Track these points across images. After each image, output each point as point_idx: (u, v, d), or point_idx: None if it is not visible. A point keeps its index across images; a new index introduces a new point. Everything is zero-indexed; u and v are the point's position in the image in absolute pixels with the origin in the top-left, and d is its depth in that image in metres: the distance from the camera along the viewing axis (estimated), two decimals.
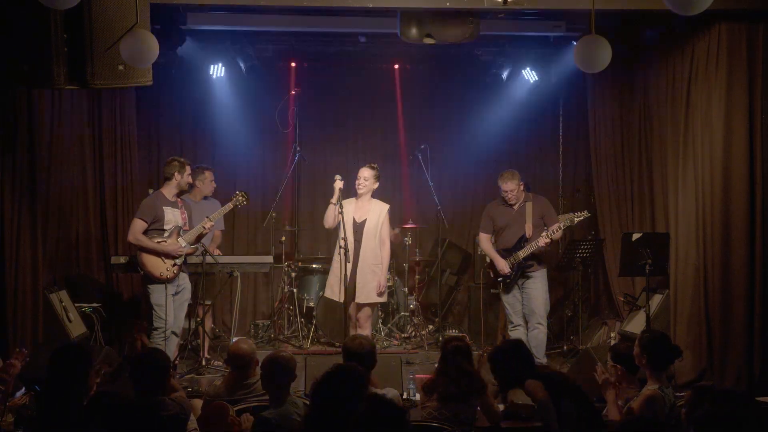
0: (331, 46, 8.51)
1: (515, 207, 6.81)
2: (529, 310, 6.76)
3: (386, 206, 6.52)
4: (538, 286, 6.69)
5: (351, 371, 3.50)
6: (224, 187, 7.99)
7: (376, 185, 6.53)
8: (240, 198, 6.81)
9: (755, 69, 6.20)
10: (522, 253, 6.65)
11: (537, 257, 6.68)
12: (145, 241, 6.38)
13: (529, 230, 6.67)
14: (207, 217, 6.70)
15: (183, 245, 6.50)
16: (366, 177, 6.49)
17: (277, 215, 8.44)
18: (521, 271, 6.71)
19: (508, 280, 6.77)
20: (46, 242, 6.61)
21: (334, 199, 6.36)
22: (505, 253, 6.78)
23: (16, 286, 6.21)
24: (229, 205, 6.83)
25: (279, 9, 6.69)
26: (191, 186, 7.23)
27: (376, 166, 6.63)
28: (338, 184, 6.38)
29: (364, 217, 6.58)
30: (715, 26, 6.22)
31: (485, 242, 7.01)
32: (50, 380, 3.72)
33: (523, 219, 6.73)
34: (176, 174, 6.55)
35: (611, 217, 7.62)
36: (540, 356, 6.70)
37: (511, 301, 6.84)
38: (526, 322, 6.86)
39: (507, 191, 6.76)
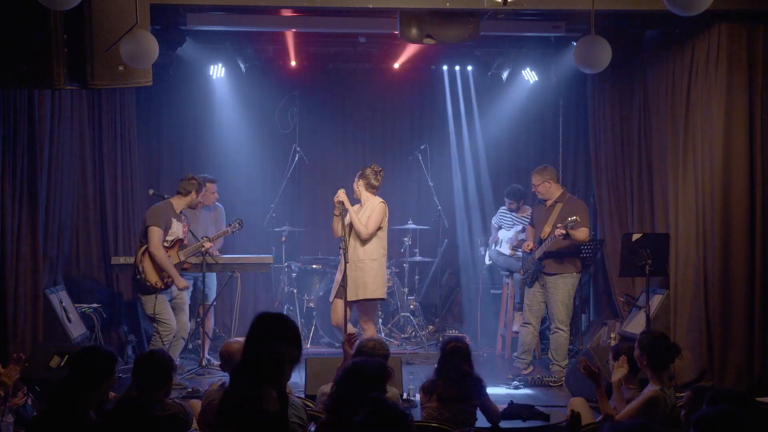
0: (331, 46, 8.51)
1: (547, 205, 6.83)
2: (549, 313, 6.81)
3: (378, 200, 6.44)
4: (557, 290, 6.67)
5: (373, 365, 3.53)
6: (224, 186, 8.00)
7: (361, 184, 6.45)
8: (236, 225, 7.10)
9: (755, 69, 6.20)
10: (537, 253, 6.68)
11: (557, 260, 6.66)
12: (163, 259, 6.39)
13: (545, 232, 6.66)
14: (206, 237, 6.81)
15: (181, 259, 6.62)
16: (354, 183, 6.51)
17: (277, 215, 8.43)
18: (539, 271, 6.72)
19: (529, 279, 6.84)
20: (46, 242, 6.61)
21: (336, 212, 6.36)
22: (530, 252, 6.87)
23: (16, 286, 6.21)
24: (227, 231, 7.10)
25: (279, 9, 6.69)
26: None
27: (367, 167, 6.56)
28: (339, 196, 6.34)
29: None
30: (715, 26, 6.23)
31: (527, 232, 7.23)
32: (68, 380, 3.70)
33: (547, 219, 6.74)
34: (193, 192, 6.65)
35: (611, 217, 7.61)
36: (559, 360, 6.70)
37: (529, 300, 6.88)
38: (539, 325, 6.96)
39: (532, 185, 6.89)
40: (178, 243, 6.58)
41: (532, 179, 6.92)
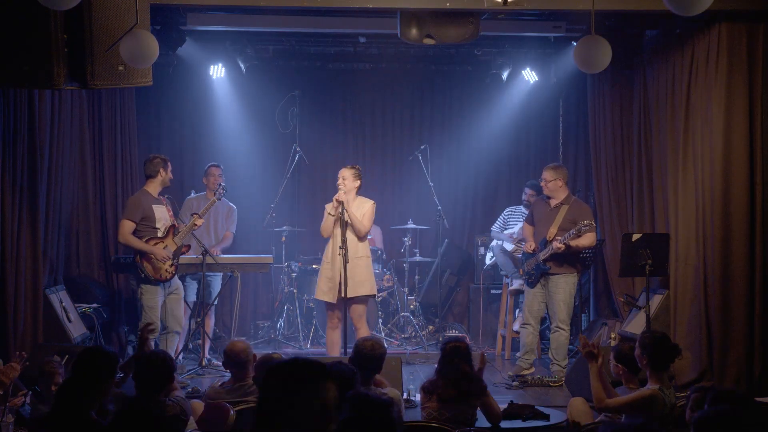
0: (331, 47, 8.52)
1: (551, 205, 6.81)
2: (550, 312, 6.78)
3: (370, 202, 6.55)
4: (559, 289, 6.65)
5: (306, 365, 3.49)
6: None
7: (357, 183, 6.51)
8: (220, 191, 7.00)
9: (755, 69, 6.20)
10: (542, 255, 6.66)
11: (560, 261, 6.63)
12: (135, 242, 6.37)
13: (551, 233, 6.64)
14: (195, 214, 6.71)
15: (178, 244, 6.53)
16: (345, 176, 6.50)
17: (277, 215, 8.44)
18: (541, 273, 6.71)
19: (531, 279, 6.80)
20: (46, 242, 6.61)
21: (333, 212, 6.37)
22: (532, 252, 6.85)
23: (16, 286, 6.21)
24: (213, 200, 6.95)
25: (279, 9, 6.69)
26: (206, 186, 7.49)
27: (357, 166, 6.63)
28: (340, 196, 6.36)
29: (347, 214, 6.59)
30: (715, 26, 6.22)
31: (524, 230, 7.16)
32: (72, 379, 3.71)
33: (552, 220, 6.71)
34: (161, 171, 6.55)
35: (611, 218, 7.61)
36: (559, 359, 6.69)
37: (529, 299, 6.85)
38: (539, 324, 6.93)
39: (542, 179, 6.85)
40: (172, 230, 6.52)
41: (545, 174, 6.82)
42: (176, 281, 6.65)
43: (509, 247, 7.84)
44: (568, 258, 6.65)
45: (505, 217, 8.19)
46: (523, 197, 8.10)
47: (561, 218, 6.66)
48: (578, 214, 6.60)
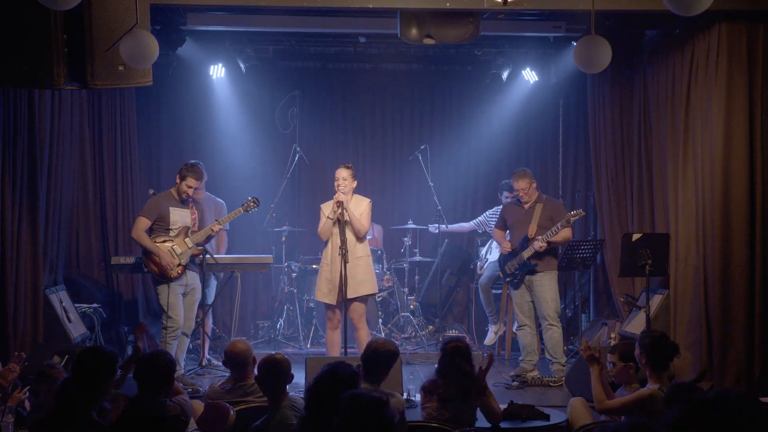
0: (331, 47, 8.52)
1: (526, 207, 6.82)
2: (539, 312, 6.78)
3: (366, 200, 6.56)
4: (544, 287, 6.67)
5: (342, 372, 3.51)
6: (225, 187, 8.00)
7: (355, 183, 6.54)
8: (251, 204, 6.77)
9: (755, 69, 6.20)
10: (525, 254, 6.66)
11: (543, 258, 6.66)
12: (144, 239, 6.40)
13: (532, 231, 6.66)
14: (216, 220, 6.74)
15: (189, 246, 6.52)
16: (344, 177, 6.50)
17: (277, 215, 8.43)
18: (526, 271, 6.71)
19: (516, 279, 6.80)
20: (46, 242, 6.61)
21: (333, 215, 6.37)
22: (511, 254, 6.83)
23: (16, 286, 6.21)
24: (239, 210, 6.77)
25: (279, 9, 6.69)
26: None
27: (350, 165, 6.64)
28: (340, 197, 6.37)
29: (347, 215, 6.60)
30: (715, 26, 6.23)
31: (496, 235, 7.18)
32: (72, 379, 3.71)
33: (530, 219, 6.73)
34: (177, 177, 6.61)
35: (611, 217, 7.61)
36: (557, 357, 6.70)
37: (518, 300, 6.86)
38: (535, 323, 6.90)
39: (518, 190, 6.84)
40: (185, 230, 6.54)
41: (520, 184, 6.77)
42: (195, 283, 6.65)
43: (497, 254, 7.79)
44: (549, 255, 6.69)
45: (488, 217, 8.18)
46: (503, 200, 8.03)
47: (538, 216, 6.71)
48: (554, 211, 6.70)
